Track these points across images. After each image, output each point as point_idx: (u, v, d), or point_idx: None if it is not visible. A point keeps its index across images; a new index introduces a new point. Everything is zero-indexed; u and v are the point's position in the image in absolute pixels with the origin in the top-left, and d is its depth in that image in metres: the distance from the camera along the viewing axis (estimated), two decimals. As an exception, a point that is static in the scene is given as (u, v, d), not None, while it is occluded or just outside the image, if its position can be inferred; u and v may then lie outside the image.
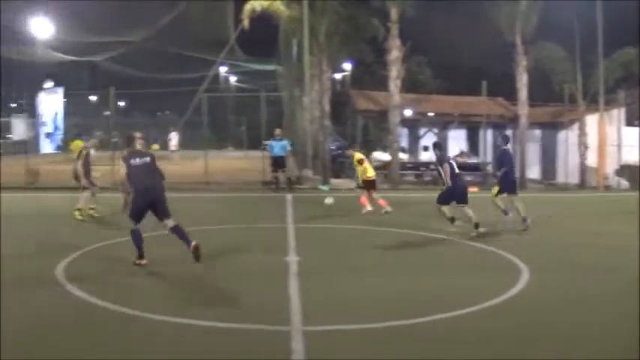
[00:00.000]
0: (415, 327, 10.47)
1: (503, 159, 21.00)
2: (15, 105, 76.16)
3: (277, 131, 33.07)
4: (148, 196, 14.76)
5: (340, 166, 39.46)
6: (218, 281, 13.63)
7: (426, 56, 62.96)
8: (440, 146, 21.23)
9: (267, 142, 34.17)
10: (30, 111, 63.34)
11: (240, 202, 28.68)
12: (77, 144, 26.72)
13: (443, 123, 45.72)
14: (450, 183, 19.06)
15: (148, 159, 15.07)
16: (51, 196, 29.33)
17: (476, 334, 10.17)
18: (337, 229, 20.43)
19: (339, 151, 41.27)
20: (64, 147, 61.53)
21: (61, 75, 65.27)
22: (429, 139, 42.83)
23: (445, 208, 19.34)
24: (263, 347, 9.58)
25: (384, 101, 39.28)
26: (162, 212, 14.92)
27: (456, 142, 44.24)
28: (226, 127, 71.93)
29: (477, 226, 18.86)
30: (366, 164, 24.20)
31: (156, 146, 55.18)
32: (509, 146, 21.58)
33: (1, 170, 33.62)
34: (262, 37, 43.53)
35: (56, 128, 67.27)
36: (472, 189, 31.27)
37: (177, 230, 14.98)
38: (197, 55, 45.64)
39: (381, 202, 23.90)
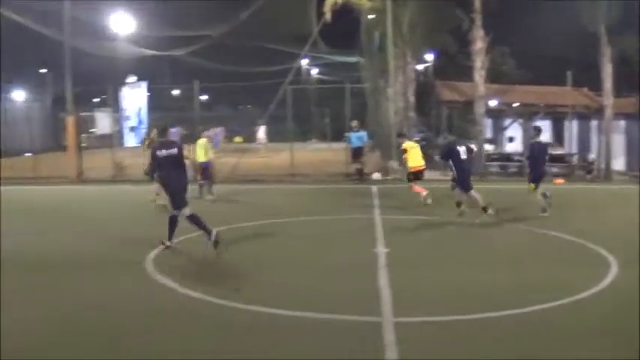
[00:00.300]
0: (505, 319, 10.29)
1: (531, 151, 21.65)
2: (98, 100, 77.10)
3: (354, 123, 32.99)
4: (173, 187, 15.66)
5: (426, 158, 39.09)
6: (307, 273, 13.60)
7: (509, 47, 62.29)
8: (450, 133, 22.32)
9: (347, 135, 34.05)
10: (113, 105, 63.95)
11: (325, 193, 28.54)
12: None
13: (528, 114, 45.11)
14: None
15: (174, 151, 15.73)
16: (137, 189, 29.58)
17: (568, 328, 9.95)
18: (423, 221, 20.15)
19: (424, 142, 40.91)
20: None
21: (143, 70, 65.87)
22: (514, 130, 42.34)
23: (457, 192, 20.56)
24: (356, 338, 9.47)
25: (469, 92, 38.85)
26: (179, 202, 15.58)
27: (542, 133, 43.60)
28: (310, 119, 71.98)
29: (485, 209, 19.63)
30: (413, 153, 23.79)
31: (239, 139, 55.43)
32: (540, 138, 21.96)
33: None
34: (344, 29, 43.39)
35: (140, 122, 67.92)
36: (558, 181, 30.88)
37: (193, 219, 15.54)
38: (279, 48, 45.68)
39: (419, 189, 23.73)
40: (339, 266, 14.02)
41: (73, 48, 36.22)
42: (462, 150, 20.31)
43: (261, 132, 52.90)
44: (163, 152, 15.61)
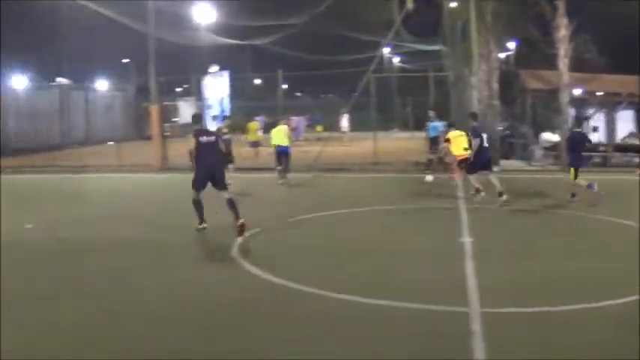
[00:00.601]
0: (598, 310, 10.14)
1: (571, 139, 22.50)
2: (181, 89, 77.89)
3: (431, 113, 32.69)
4: (209, 171, 16.72)
5: (509, 147, 38.69)
6: (393, 261, 13.59)
7: (590, 34, 61.33)
8: (475, 116, 23.70)
9: (427, 124, 33.75)
10: (196, 94, 64.56)
11: (408, 182, 28.36)
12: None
13: (612, 103, 44.34)
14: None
15: (213, 138, 17.14)
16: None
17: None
18: (507, 211, 19.97)
19: (508, 132, 40.52)
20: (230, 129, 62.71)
21: (225, 59, 66.34)
22: (597, 119, 41.73)
23: (473, 178, 21.54)
24: (442, 327, 9.48)
25: (554, 80, 38.33)
26: (220, 186, 16.78)
27: (625, 123, 42.86)
28: (392, 108, 71.72)
29: (501, 194, 20.53)
30: (456, 142, 23.69)
31: (320, 128, 55.49)
32: (580, 129, 23.63)
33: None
34: (426, 17, 43.18)
35: (222, 111, 68.50)
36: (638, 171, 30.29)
37: (230, 203, 16.57)
38: (361, 37, 45.62)
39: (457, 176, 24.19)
40: (425, 255, 13.99)
41: (156, 38, 36.61)
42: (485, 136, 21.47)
43: (344, 121, 52.85)
44: (204, 139, 16.80)
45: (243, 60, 75.07)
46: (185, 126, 45.01)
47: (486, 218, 18.79)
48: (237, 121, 42.04)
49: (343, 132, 52.08)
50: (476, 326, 9.31)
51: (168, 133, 37.40)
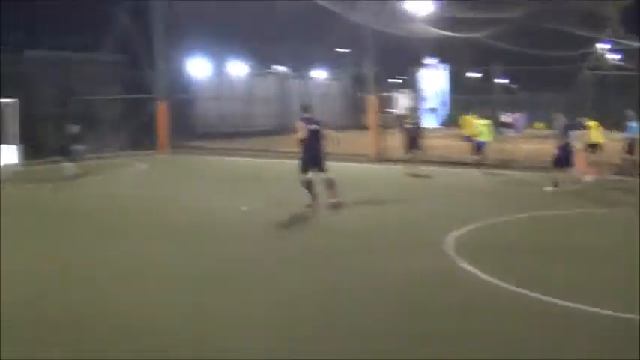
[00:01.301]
0: None
1: None
2: (396, 80, 78.42)
3: (629, 112, 31.36)
4: (314, 156, 19.29)
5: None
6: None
7: None
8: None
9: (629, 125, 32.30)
10: (413, 86, 65.09)
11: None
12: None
13: None
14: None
15: (318, 126, 19.67)
16: (439, 170, 30.44)
17: None
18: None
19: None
20: (447, 122, 63.02)
21: (443, 51, 66.47)
22: None
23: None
24: (611, 333, 9.54)
25: None
26: (321, 168, 19.48)
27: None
28: (607, 107, 69.77)
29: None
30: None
31: (539, 125, 54.67)
32: None
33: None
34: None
35: (442, 104, 69.04)
36: None
37: (330, 182, 19.47)
38: (576, 32, 44.87)
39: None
40: (606, 260, 13.80)
41: (373, 29, 37.24)
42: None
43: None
44: (312, 127, 19.39)
45: (461, 52, 75.06)
46: (400, 117, 45.54)
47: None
48: (453, 115, 42.20)
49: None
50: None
51: (383, 124, 37.95)
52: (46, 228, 17.83)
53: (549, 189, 23.12)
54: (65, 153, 28.73)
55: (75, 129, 28.70)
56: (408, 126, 29.93)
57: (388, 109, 62.50)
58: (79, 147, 28.80)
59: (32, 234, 16.83)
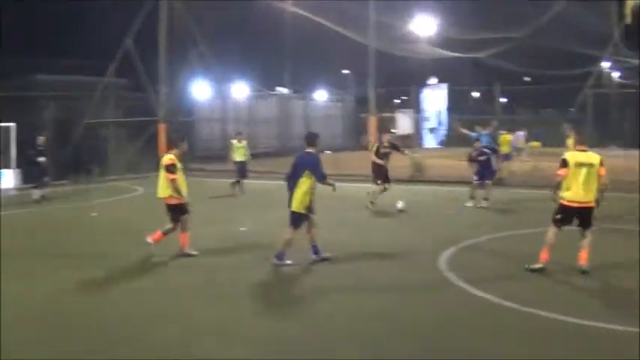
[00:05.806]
0: None
1: None
2: (399, 101, 78.67)
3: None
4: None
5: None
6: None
7: None
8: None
9: None
10: (415, 106, 65.29)
11: (624, 201, 27.00)
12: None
13: None
14: None
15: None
16: (439, 189, 31.07)
17: None
18: None
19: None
20: (446, 142, 63.24)
21: (443, 71, 66.75)
22: None
23: None
24: (610, 347, 9.64)
25: None
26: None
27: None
28: (608, 124, 69.84)
29: None
30: None
31: (536, 143, 54.82)
32: None
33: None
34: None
35: (440, 123, 69.18)
36: None
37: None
38: (579, 51, 45.11)
39: None
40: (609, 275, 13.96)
41: (376, 49, 37.46)
42: None
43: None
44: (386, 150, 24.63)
45: (461, 72, 75.42)
46: (402, 137, 45.76)
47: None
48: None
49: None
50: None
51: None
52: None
53: None
54: (30, 163, 28.98)
55: (40, 140, 28.53)
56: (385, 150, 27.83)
57: (392, 130, 62.83)
58: (46, 179, 28.80)
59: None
